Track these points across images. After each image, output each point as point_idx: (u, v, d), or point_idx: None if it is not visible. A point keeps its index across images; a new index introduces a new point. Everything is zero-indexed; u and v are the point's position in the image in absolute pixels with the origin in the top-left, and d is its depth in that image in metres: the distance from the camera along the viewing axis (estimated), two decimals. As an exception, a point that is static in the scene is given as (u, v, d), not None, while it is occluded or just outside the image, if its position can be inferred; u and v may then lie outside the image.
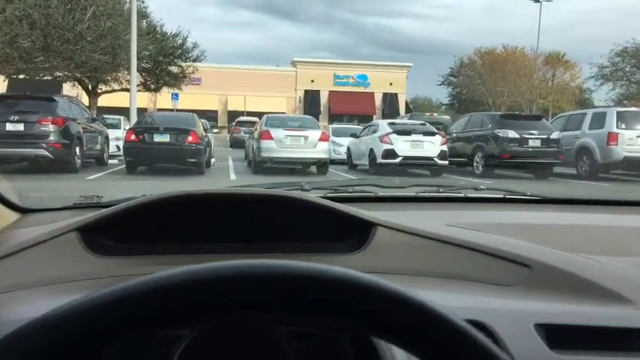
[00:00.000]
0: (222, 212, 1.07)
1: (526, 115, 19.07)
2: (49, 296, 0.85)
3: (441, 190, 1.63)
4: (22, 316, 0.76)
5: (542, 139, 13.30)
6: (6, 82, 26.91)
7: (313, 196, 1.19)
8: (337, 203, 1.12)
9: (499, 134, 13.33)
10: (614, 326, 0.81)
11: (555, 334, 0.79)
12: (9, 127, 11.13)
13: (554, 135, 13.41)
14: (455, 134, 15.05)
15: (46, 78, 21.37)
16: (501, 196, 1.63)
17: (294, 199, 1.11)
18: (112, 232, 1.04)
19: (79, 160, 11.96)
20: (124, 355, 0.76)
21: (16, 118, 11.20)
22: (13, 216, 1.19)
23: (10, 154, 10.88)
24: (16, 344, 0.39)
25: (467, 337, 0.42)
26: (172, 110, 23.05)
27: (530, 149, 13.20)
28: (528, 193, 1.66)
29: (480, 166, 13.60)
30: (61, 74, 20.55)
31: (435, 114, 27.57)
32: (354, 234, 1.10)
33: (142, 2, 21.52)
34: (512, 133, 13.24)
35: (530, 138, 13.25)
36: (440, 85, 49.46)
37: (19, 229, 1.10)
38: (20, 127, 11.20)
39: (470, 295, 0.92)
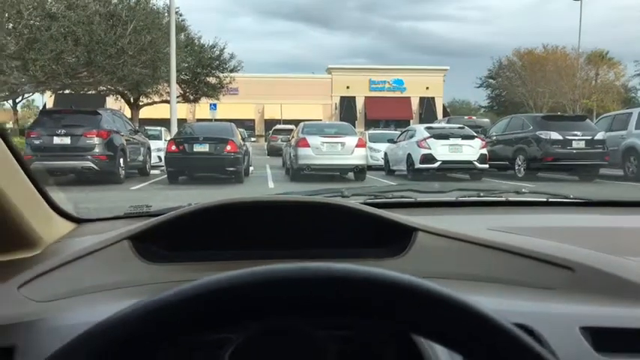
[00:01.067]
0: (266, 219, 1.10)
1: (569, 115, 18.55)
2: (105, 301, 0.89)
3: (482, 194, 1.62)
4: (83, 320, 0.80)
5: (586, 140, 12.92)
6: (52, 97, 27.96)
7: (353, 202, 1.21)
8: (377, 209, 1.13)
9: (541, 136, 13.02)
10: None
11: (601, 337, 0.78)
12: (56, 140, 11.56)
13: (599, 136, 13.01)
14: (495, 137, 14.79)
15: (90, 92, 22.10)
16: (544, 199, 1.61)
17: (335, 205, 1.13)
18: (162, 239, 1.08)
19: (123, 171, 12.31)
20: (178, 356, 0.79)
21: (63, 131, 11.63)
22: (69, 226, 1.25)
23: (58, 166, 11.28)
24: (89, 343, 0.42)
25: (515, 341, 0.42)
26: (211, 120, 23.51)
27: (574, 151, 12.84)
28: (571, 196, 1.63)
29: (522, 169, 13.30)
30: (105, 88, 21.23)
31: (473, 117, 27.20)
32: (395, 239, 1.11)
33: (181, 16, 22.06)
34: (554, 135, 12.92)
35: (574, 139, 12.89)
36: (478, 87, 48.66)
37: (76, 239, 1.15)
38: (67, 140, 11.62)
39: (514, 298, 0.92)
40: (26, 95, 28.65)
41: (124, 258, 1.03)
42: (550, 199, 1.60)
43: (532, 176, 12.91)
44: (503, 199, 1.61)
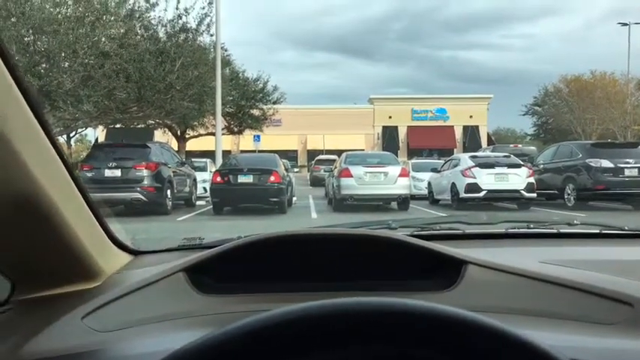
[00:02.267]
0: (315, 252, 1.12)
1: (620, 142, 18.00)
2: (164, 332, 0.92)
3: (532, 225, 1.59)
4: (143, 350, 0.83)
5: (639, 168, 12.47)
6: (104, 132, 29.09)
7: (401, 234, 1.21)
8: (425, 241, 1.13)
9: (591, 164, 12.65)
10: None
11: None
12: (108, 173, 12.00)
13: (654, 163, 12.55)
14: (542, 165, 14.45)
15: (139, 126, 22.89)
16: (597, 231, 1.56)
17: (383, 238, 1.14)
18: (214, 271, 1.11)
19: (170, 202, 12.62)
20: None
21: (114, 164, 12.08)
22: (126, 257, 1.30)
23: (108, 198, 11.66)
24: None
25: None
26: (255, 151, 23.89)
27: (627, 179, 12.40)
28: (626, 228, 1.58)
29: (572, 199, 12.91)
30: (153, 122, 21.94)
31: (519, 145, 26.66)
32: (444, 272, 1.10)
33: (226, 51, 22.73)
34: (605, 163, 12.52)
35: (626, 167, 12.46)
36: (523, 115, 47.82)
37: (134, 270, 1.20)
38: (117, 172, 12.05)
39: (569, 334, 0.89)
40: (79, 130, 29.91)
41: (179, 289, 1.06)
42: (603, 231, 1.56)
43: (583, 205, 12.50)
44: (554, 230, 1.58)
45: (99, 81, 14.47)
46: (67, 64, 14.44)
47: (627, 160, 12.60)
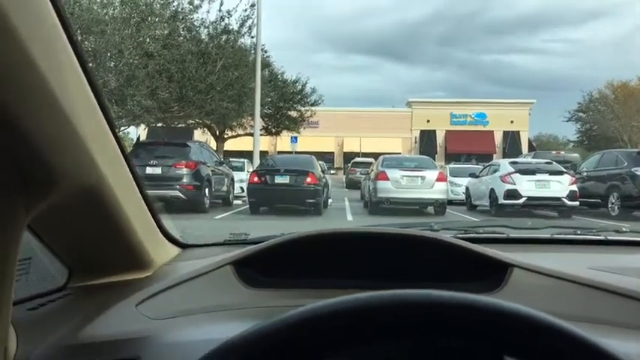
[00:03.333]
0: (359, 251, 1.13)
1: (668, 151, 17.35)
2: (212, 322, 0.95)
3: (579, 232, 1.56)
4: (194, 338, 0.86)
5: (686, 178, 12.01)
6: (145, 130, 29.75)
7: (445, 236, 1.21)
8: (470, 243, 1.13)
9: (637, 173, 12.24)
10: None
11: None
12: (149, 170, 12.27)
13: (701, 172, 12.06)
14: (585, 173, 14.06)
15: (179, 125, 23.34)
16: None
17: (428, 238, 1.14)
18: (260, 266, 1.13)
19: (208, 201, 12.81)
20: None
21: (155, 162, 12.35)
22: (176, 250, 1.34)
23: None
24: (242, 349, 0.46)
25: None
26: (292, 152, 24.05)
27: (674, 189, 11.96)
28: None
29: (616, 207, 12.51)
30: (193, 122, 22.34)
31: (561, 152, 26.01)
32: (489, 275, 1.10)
33: (265, 52, 22.96)
34: (652, 172, 12.12)
35: (674, 176, 12.02)
36: (567, 121, 46.52)
37: (183, 262, 1.24)
38: (158, 170, 12.30)
39: (623, 340, 0.88)
40: (122, 128, 30.69)
41: (227, 282, 1.09)
42: None
43: (627, 215, 12.11)
44: (602, 237, 1.54)
45: (142, 81, 14.83)
46: (112, 63, 14.86)
47: (675, 169, 12.15)
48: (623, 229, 1.59)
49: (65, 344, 0.82)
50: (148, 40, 15.04)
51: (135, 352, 0.81)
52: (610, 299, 0.99)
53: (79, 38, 14.18)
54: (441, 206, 12.90)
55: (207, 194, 12.76)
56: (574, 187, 12.64)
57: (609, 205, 12.71)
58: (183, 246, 1.38)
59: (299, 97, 25.80)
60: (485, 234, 1.53)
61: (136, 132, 32.00)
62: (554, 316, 0.99)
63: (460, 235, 1.46)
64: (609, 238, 1.53)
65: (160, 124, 22.07)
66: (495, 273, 1.09)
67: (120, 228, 0.97)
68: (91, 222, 0.94)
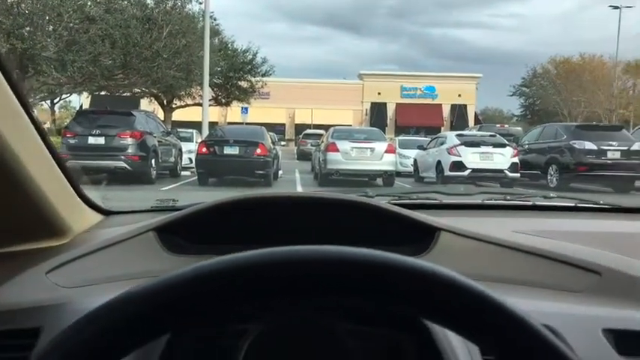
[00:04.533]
0: (289, 215, 1.11)
1: (604, 125, 18.12)
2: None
3: (509, 197, 1.60)
4: None
5: (622, 151, 12.60)
6: (89, 99, 28.68)
7: (378, 201, 1.21)
8: (401, 208, 1.13)
9: (575, 145, 12.76)
10: None
11: (624, 340, 0.77)
12: (91, 140, 11.85)
13: (636, 146, 12.66)
14: (527, 146, 14.55)
15: (125, 94, 22.60)
16: (572, 204, 1.58)
17: (358, 203, 1.13)
18: (186, 232, 1.10)
19: (155, 172, 12.52)
20: (198, 344, 0.80)
21: (98, 132, 11.92)
22: (97, 217, 1.28)
23: (92, 165, 11.52)
24: (111, 313, 0.43)
25: (540, 338, 0.42)
26: (242, 124, 23.72)
27: (609, 161, 12.53)
28: (601, 202, 1.60)
29: (555, 179, 13.04)
30: (139, 90, 21.67)
31: (505, 125, 26.81)
32: (419, 239, 1.10)
33: (215, 20, 22.38)
34: (589, 145, 12.64)
35: (609, 149, 12.58)
36: (511, 95, 47.91)
37: (103, 229, 1.18)
38: (101, 140, 11.89)
39: (537, 299, 0.90)
40: (64, 96, 29.44)
41: (149, 249, 1.05)
42: (578, 205, 1.57)
43: (565, 186, 12.64)
44: (530, 202, 1.59)
45: (84, 46, 14.20)
46: (51, 27, 14.13)
47: (610, 142, 12.71)
48: (551, 195, 1.64)
49: None
50: (89, 3, 14.38)
51: (38, 322, 0.77)
52: (531, 261, 1.02)
53: (16, 0, 13.38)
54: (389, 177, 13.08)
55: (153, 165, 12.47)
56: (516, 160, 13.05)
57: (548, 177, 13.23)
58: (106, 213, 1.32)
59: (249, 67, 25.34)
60: (418, 200, 1.54)
61: (79, 100, 30.86)
62: (477, 277, 1.00)
63: (394, 201, 1.46)
64: (537, 203, 1.58)
65: (103, 93, 21.31)
66: (424, 237, 1.10)
67: (26, 193, 0.92)
68: None
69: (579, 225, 1.41)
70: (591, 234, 1.28)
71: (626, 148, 12.64)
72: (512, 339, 0.42)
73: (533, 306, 0.87)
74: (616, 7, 34.60)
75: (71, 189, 1.12)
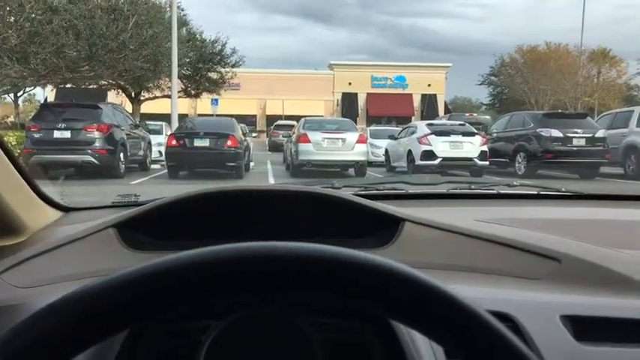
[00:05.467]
0: (253, 209, 1.10)
1: (570, 113, 18.55)
2: None
3: (473, 186, 1.62)
4: None
5: (587, 138, 12.91)
6: (54, 92, 27.97)
7: (342, 192, 1.21)
8: (366, 200, 1.13)
9: (541, 133, 13.02)
10: None
11: (582, 326, 0.78)
12: (57, 134, 11.56)
13: (600, 133, 13.00)
14: (495, 134, 14.78)
15: (91, 87, 22.09)
16: (535, 192, 1.60)
17: (322, 195, 1.13)
18: (148, 228, 1.08)
19: (123, 166, 12.31)
20: (160, 341, 0.79)
21: (63, 125, 11.63)
22: (56, 214, 1.25)
23: (57, 160, 11.28)
24: (58, 312, 0.42)
25: (487, 327, 0.42)
26: (212, 115, 23.45)
27: (575, 148, 12.83)
28: (563, 189, 1.63)
29: (522, 167, 13.30)
30: (106, 82, 21.22)
31: (474, 114, 27.14)
32: (383, 229, 1.11)
33: (182, 10, 22.01)
34: (555, 132, 12.91)
35: (575, 137, 12.88)
36: (480, 85, 48.48)
37: (62, 227, 1.15)
38: (67, 134, 11.62)
39: (496, 287, 0.92)
40: (27, 89, 28.63)
41: (108, 246, 1.03)
42: (541, 192, 1.60)
43: (532, 173, 12.90)
44: (493, 191, 1.61)
45: (47, 37, 13.81)
46: (12, 18, 13.70)
47: (576, 130, 13.00)
48: (514, 183, 1.66)
49: None
50: (51, -7, 13.97)
51: None
52: (491, 248, 1.03)
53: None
54: (361, 168, 13.14)
55: (122, 159, 12.25)
56: (485, 148, 13.25)
57: (516, 164, 13.48)
58: (65, 209, 1.29)
59: (219, 57, 24.98)
60: (384, 190, 1.55)
61: (43, 93, 30.05)
62: (439, 266, 1.01)
63: (360, 192, 1.47)
64: (500, 192, 1.60)
65: (69, 85, 20.80)
66: (389, 228, 1.10)
67: None
68: None
69: (541, 212, 1.43)
70: (552, 221, 1.30)
71: (590, 135, 12.95)
72: (463, 330, 0.42)
73: (492, 294, 0.88)
74: (580, -3, 35.25)
75: (26, 185, 1.09)
